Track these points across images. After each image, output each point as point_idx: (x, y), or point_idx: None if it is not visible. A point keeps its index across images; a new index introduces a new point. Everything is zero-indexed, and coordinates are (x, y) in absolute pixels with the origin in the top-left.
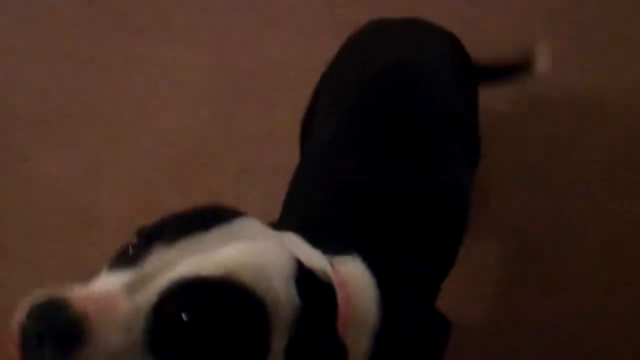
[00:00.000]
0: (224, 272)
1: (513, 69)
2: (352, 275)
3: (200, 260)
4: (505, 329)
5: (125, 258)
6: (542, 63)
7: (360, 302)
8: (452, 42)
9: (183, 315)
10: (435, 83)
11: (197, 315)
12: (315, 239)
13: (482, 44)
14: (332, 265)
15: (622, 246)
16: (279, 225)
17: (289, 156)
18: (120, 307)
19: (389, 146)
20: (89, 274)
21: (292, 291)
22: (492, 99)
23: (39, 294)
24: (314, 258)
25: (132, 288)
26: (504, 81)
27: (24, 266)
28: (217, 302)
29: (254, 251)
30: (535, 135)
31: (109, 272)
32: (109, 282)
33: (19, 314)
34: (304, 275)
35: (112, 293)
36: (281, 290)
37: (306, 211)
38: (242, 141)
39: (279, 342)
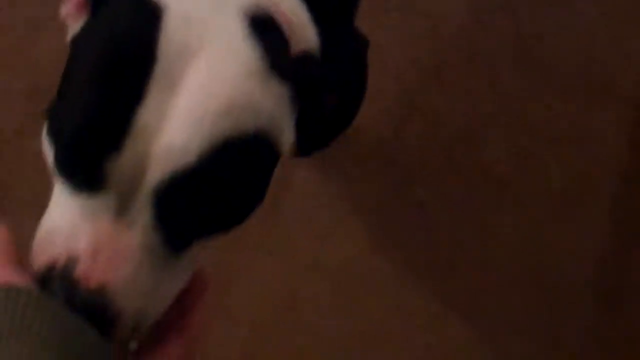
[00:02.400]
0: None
1: None
2: (292, 12)
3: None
4: None
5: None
6: None
7: (303, 39)
8: None
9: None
10: None
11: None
12: None
13: None
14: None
15: None
16: None
17: None
18: (128, 249)
19: None
20: None
21: (278, 90)
22: None
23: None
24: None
25: (122, 209)
26: None
27: None
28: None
29: (220, 72)
30: None
31: (71, 198)
32: (92, 220)
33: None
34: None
35: (108, 236)
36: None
37: None
38: None
39: (287, 138)
